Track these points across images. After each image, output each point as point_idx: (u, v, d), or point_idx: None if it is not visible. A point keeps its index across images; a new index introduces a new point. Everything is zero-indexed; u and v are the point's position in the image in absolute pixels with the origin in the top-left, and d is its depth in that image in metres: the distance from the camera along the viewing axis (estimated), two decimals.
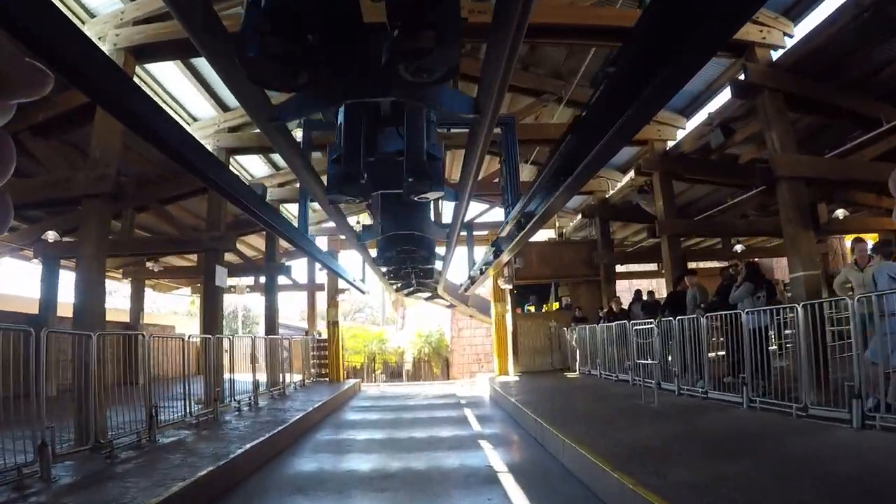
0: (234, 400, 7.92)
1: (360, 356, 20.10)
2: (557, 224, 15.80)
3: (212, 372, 7.61)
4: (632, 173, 12.27)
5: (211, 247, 8.89)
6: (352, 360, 20.27)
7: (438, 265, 11.25)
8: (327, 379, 12.94)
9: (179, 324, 18.76)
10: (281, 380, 10.77)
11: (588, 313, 13.37)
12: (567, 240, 14.65)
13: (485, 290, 21.98)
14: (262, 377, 9.71)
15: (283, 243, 15.76)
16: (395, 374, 24.80)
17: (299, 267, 16.81)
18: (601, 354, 10.81)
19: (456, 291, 15.89)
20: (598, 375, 10.69)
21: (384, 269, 9.77)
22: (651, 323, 7.61)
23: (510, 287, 12.81)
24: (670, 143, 10.32)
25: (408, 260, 7.33)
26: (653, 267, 16.80)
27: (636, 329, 7.98)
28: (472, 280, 10.54)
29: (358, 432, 7.18)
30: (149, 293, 17.97)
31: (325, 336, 13.46)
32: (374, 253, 8.77)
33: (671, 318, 7.61)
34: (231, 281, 18.85)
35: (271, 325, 11.85)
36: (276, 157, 11.86)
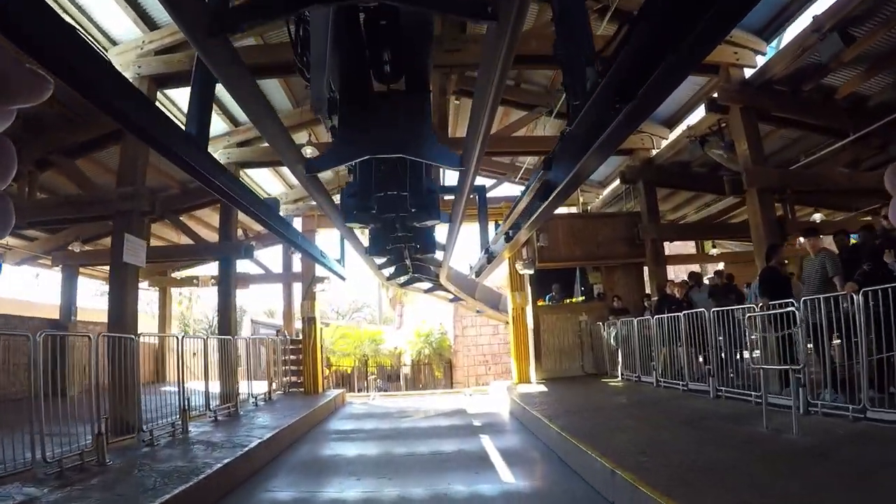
0: (147, 430, 5.30)
1: (351, 359, 17.40)
2: (581, 199, 13.17)
3: (120, 387, 5.07)
4: (684, 126, 9.71)
5: (118, 209, 6.23)
6: (341, 364, 17.61)
7: (439, 255, 8.76)
8: (302, 389, 10.28)
9: (144, 323, 15.98)
10: (241, 391, 8.17)
11: (628, 304, 10.75)
12: (602, 213, 11.96)
13: (493, 281, 19.37)
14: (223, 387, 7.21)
15: (255, 227, 13.23)
16: (392, 377, 22.14)
17: (274, 255, 14.21)
18: (659, 356, 8.18)
19: (461, 281, 13.24)
20: (652, 384, 8.07)
21: (368, 244, 7.10)
22: (780, 307, 4.97)
23: (530, 272, 10.15)
24: (748, 72, 7.72)
25: (397, 215, 4.87)
26: (690, 250, 14.30)
27: (754, 317, 5.35)
28: (490, 255, 7.89)
29: (321, 485, 4.53)
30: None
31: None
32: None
33: (786, 302, 4.98)
34: (197, 271, 16.24)
35: (226, 321, 9.21)
36: (235, 110, 9.30)
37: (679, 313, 7.55)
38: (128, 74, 7.02)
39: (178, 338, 7.11)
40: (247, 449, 4.96)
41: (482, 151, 4.10)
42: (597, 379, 10.10)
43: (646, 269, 11.12)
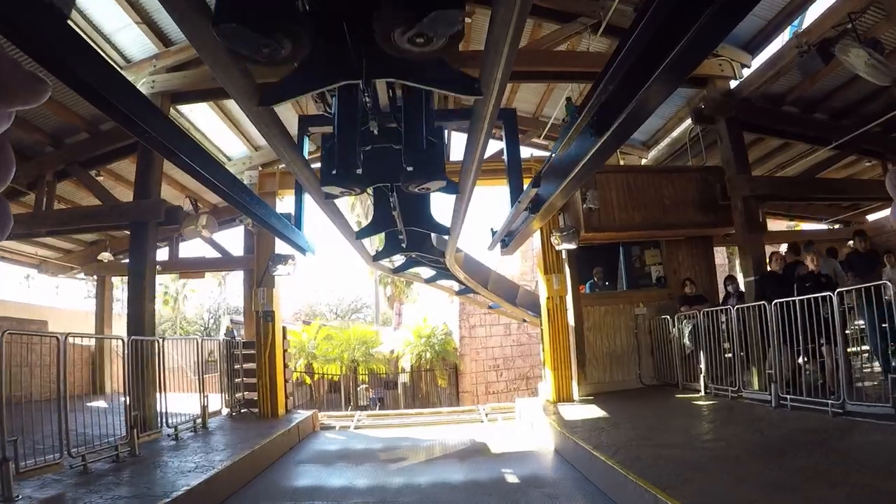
0: None
1: (337, 365, 14.43)
2: (622, 162, 10.28)
3: None
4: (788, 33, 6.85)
5: None
6: (328, 372, 14.72)
7: (440, 248, 6.11)
8: (257, 411, 7.39)
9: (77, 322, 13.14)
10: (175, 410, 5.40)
11: (703, 289, 7.93)
12: (667, 167, 9.02)
13: (505, 270, 16.47)
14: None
15: (210, 197, 10.39)
16: (389, 384, 19.26)
17: (235, 236, 11.33)
18: (780, 360, 5.33)
19: (473, 267, 10.35)
20: (769, 402, 5.22)
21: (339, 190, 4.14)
22: None
23: (571, 246, 7.26)
24: None
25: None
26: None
27: None
28: (521, 215, 5.05)
29: None
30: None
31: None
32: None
33: None
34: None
35: (139, 315, 6.37)
36: (166, 26, 6.59)
37: (818, 294, 4.69)
38: None
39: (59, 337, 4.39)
40: None
41: (508, 68, 2.45)
42: (665, 393, 7.23)
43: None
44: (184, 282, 43.88)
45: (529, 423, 6.92)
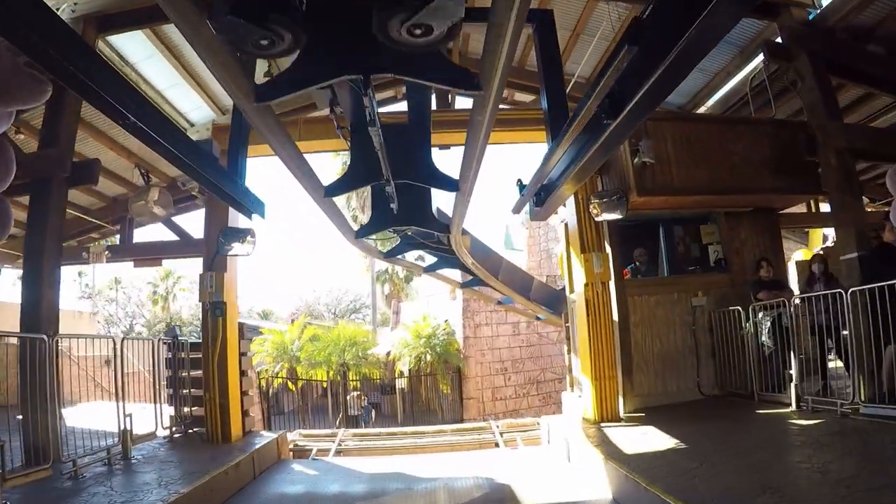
0: None
1: (324, 370, 12.59)
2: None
3: None
4: None
5: None
6: (314, 377, 12.94)
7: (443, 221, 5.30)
8: (207, 431, 5.63)
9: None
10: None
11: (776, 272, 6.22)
12: (734, 117, 7.19)
13: (515, 259, 14.71)
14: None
15: (170, 170, 8.66)
16: (385, 390, 17.49)
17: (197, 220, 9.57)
18: None
19: (482, 253, 8.60)
20: None
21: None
22: None
23: (617, 216, 5.48)
24: None
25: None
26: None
27: None
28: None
29: None
30: None
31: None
32: None
33: None
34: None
35: (34, 307, 4.64)
36: None
37: None
38: None
39: None
40: None
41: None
42: (739, 408, 5.51)
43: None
44: (174, 280, 42.34)
45: (563, 452, 5.16)
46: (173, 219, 8.92)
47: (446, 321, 16.26)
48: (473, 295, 13.41)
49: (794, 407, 5.11)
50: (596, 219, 5.70)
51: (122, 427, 4.98)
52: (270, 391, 12.25)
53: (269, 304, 47.86)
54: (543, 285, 11.35)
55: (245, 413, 5.84)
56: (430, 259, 9.03)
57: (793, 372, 5.25)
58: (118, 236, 9.70)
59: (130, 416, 5.12)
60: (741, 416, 5.19)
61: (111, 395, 5.65)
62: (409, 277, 27.83)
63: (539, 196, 4.25)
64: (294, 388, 12.77)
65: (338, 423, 12.55)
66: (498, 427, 6.77)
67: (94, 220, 9.45)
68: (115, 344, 5.53)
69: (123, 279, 45.34)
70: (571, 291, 7.28)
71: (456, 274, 10.51)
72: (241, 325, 6.16)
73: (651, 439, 4.53)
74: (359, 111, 3.88)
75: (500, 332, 16.31)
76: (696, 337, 6.32)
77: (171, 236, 9.02)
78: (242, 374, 5.86)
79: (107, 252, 9.29)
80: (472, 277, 10.11)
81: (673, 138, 5.83)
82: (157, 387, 5.66)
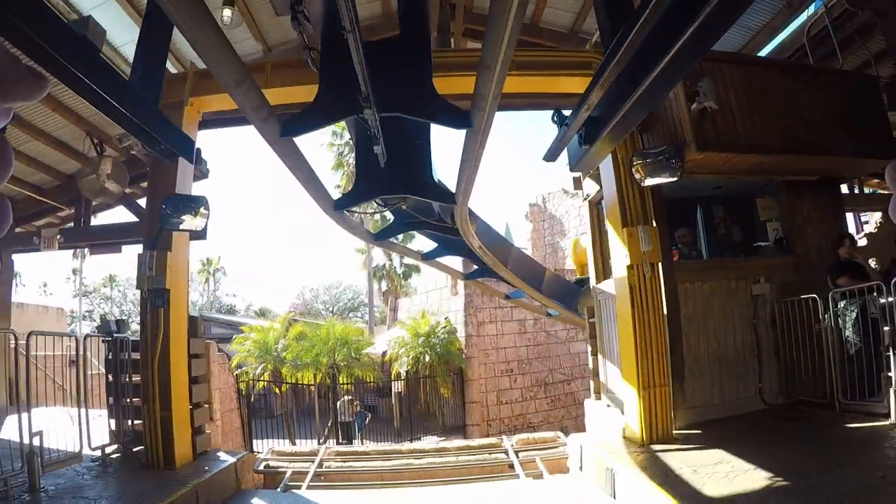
0: None
1: (311, 371, 11.30)
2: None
3: None
4: None
5: None
6: (301, 379, 11.71)
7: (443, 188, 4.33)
8: (145, 452, 4.42)
9: None
10: None
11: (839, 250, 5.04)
12: (805, 65, 5.92)
13: (523, 247, 13.48)
14: None
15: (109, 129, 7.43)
16: (382, 392, 16.28)
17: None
18: None
19: (491, 238, 7.35)
20: None
21: None
22: None
23: (668, 179, 4.27)
24: None
25: None
26: None
27: None
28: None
29: None
30: None
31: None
32: None
33: None
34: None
35: None
36: None
37: None
38: None
39: None
40: None
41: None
42: (818, 420, 4.31)
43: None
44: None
45: (603, 484, 3.94)
46: (138, 202, 7.79)
47: (447, 319, 15.05)
48: (478, 288, 12.21)
49: (893, 419, 3.94)
50: (641, 184, 4.49)
51: (26, 449, 3.78)
52: (252, 396, 11.05)
53: (267, 304, 46.75)
54: (557, 277, 10.13)
55: (197, 430, 4.63)
56: (430, 244, 7.81)
57: (892, 374, 4.07)
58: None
59: (41, 433, 3.92)
60: (832, 434, 4.00)
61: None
62: (408, 273, 26.62)
63: (582, 136, 3.04)
64: (280, 392, 11.55)
65: (326, 431, 11.36)
66: (512, 445, 5.55)
67: (47, 201, 8.26)
68: (77, 342, 4.36)
69: (119, 276, 44.24)
70: (599, 280, 6.08)
71: (459, 264, 9.31)
72: (193, 320, 4.93)
73: (730, 471, 3.33)
74: (331, 17, 2.73)
75: (505, 329, 15.10)
76: (756, 333, 5.12)
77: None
78: (193, 381, 4.65)
79: (59, 237, 8.09)
80: (476, 267, 8.90)
81: (735, 85, 4.62)
82: (81, 395, 4.45)
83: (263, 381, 11.37)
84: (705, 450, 3.90)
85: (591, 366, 6.81)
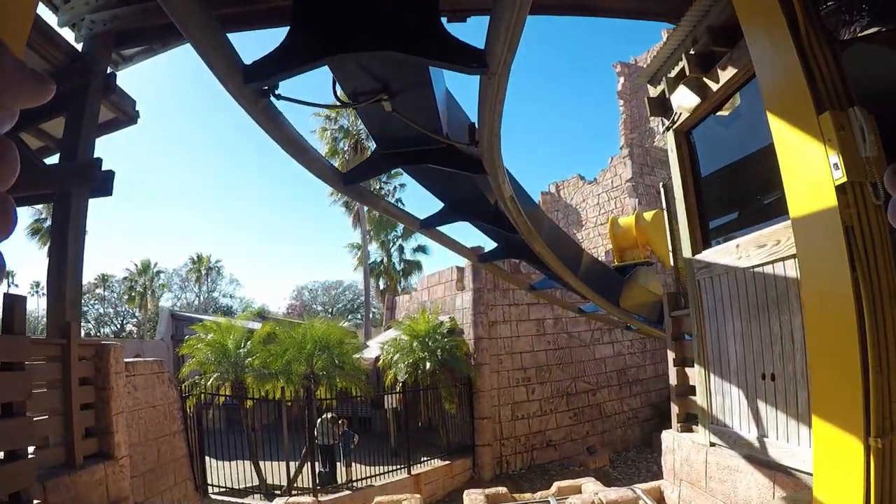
0: None
1: (281, 382, 8.97)
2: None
3: None
4: None
5: None
6: (271, 392, 9.44)
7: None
8: None
9: None
10: None
11: None
12: None
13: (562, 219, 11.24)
14: None
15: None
16: (377, 403, 14.01)
17: None
18: None
19: (523, 201, 5.10)
20: None
21: None
22: None
23: None
24: None
25: None
26: None
27: None
28: None
29: None
30: None
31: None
32: None
33: None
34: None
35: None
36: None
37: None
38: None
39: None
40: None
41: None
42: None
43: None
44: (151, 275, 38.77)
45: None
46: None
47: (451, 318, 12.80)
48: (491, 272, 10.01)
49: None
50: (842, 37, 2.27)
51: None
52: (206, 415, 8.80)
53: (268, 305, 44.58)
54: (595, 261, 7.92)
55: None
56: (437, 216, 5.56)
57: None
58: None
59: None
60: None
61: None
62: (409, 270, 24.42)
63: None
64: (243, 406, 9.28)
65: (301, 458, 9.08)
66: (549, 498, 3.24)
67: None
68: None
69: (112, 278, 42.17)
70: (697, 250, 3.85)
71: (471, 244, 7.06)
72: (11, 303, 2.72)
73: None
74: None
75: (521, 331, 12.83)
76: None
77: None
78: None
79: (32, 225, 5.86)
80: (495, 246, 6.67)
81: None
82: None
83: (222, 395, 9.12)
84: None
85: (673, 381, 4.58)
